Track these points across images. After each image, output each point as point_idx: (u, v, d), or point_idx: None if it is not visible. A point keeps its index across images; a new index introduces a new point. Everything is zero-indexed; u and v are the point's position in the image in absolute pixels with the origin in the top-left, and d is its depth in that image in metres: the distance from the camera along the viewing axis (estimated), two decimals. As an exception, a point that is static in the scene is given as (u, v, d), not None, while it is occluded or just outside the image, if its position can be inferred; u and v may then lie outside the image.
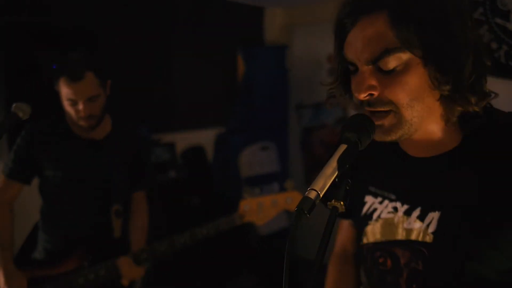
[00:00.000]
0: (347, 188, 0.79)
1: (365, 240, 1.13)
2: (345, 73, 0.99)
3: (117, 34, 3.08)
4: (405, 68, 0.87)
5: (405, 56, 0.86)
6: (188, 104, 3.76)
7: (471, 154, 0.94)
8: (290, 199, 1.89)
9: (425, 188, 1.01)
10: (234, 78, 4.12)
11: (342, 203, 0.78)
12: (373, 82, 0.89)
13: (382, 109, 0.90)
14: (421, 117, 0.91)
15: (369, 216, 1.11)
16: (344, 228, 1.35)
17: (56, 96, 1.89)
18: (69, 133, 1.99)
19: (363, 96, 0.90)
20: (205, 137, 3.99)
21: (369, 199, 1.12)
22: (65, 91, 1.82)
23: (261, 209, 1.89)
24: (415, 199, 1.02)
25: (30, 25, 2.69)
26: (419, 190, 1.02)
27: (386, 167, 1.11)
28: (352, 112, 0.98)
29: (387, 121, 0.91)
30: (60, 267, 1.93)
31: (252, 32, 4.28)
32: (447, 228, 0.95)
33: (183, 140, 3.78)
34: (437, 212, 0.97)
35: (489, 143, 0.93)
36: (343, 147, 0.84)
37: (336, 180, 0.81)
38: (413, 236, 1.00)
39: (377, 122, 0.92)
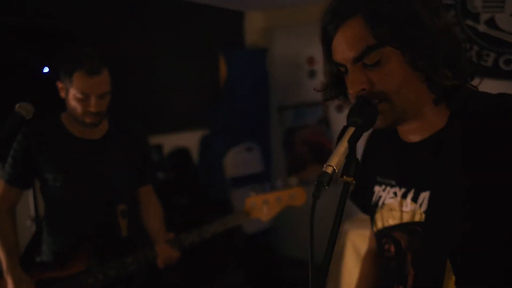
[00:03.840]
0: (356, 165, 0.90)
1: (374, 229, 1.22)
2: (336, 75, 1.09)
3: (100, 37, 3.11)
4: (387, 60, 0.97)
5: (385, 50, 0.97)
6: (173, 106, 3.81)
7: (457, 135, 1.03)
8: (293, 195, 1.98)
9: (416, 171, 1.10)
10: (217, 81, 4.19)
11: (352, 178, 0.89)
12: (363, 78, 0.98)
13: (375, 100, 0.99)
14: (411, 100, 1.01)
15: (376, 204, 1.20)
16: None
17: (50, 93, 1.92)
18: (66, 134, 1.99)
19: (357, 91, 0.99)
20: (190, 139, 4.04)
21: (376, 189, 1.22)
22: (80, 85, 1.82)
23: (266, 205, 1.97)
24: (410, 182, 1.11)
25: (11, 26, 2.68)
26: (412, 173, 1.11)
27: (388, 156, 1.21)
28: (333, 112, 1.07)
29: (381, 110, 1.00)
30: (68, 269, 1.94)
31: (234, 35, 4.37)
32: (437, 205, 1.04)
33: (169, 142, 3.82)
34: (427, 191, 1.05)
35: (473, 124, 1.01)
36: (351, 130, 0.93)
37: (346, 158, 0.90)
38: (408, 218, 1.09)
39: None
